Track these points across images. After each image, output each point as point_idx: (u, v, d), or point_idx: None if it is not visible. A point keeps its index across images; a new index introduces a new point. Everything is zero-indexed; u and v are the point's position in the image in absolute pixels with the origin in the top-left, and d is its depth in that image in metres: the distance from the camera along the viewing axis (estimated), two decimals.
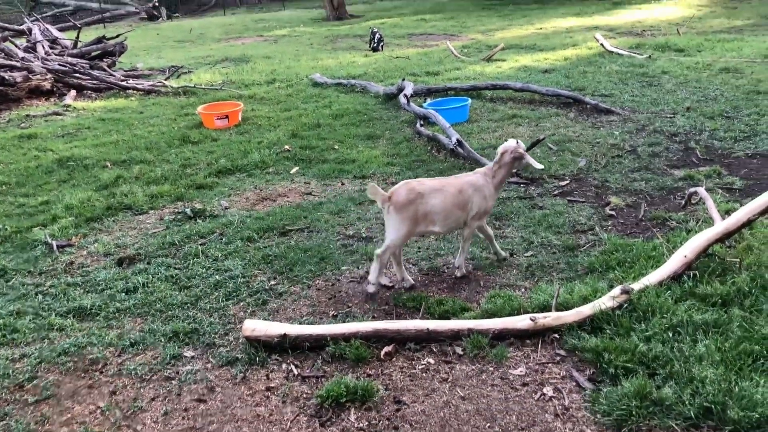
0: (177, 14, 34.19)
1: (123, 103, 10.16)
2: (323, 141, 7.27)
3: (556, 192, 5.29)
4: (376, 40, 16.68)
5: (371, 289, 3.74)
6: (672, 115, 7.23)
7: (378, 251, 3.72)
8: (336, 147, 7.01)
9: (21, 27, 13.57)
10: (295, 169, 6.32)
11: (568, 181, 5.48)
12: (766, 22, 16.95)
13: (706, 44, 12.13)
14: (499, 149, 4.05)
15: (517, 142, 4.06)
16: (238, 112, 8.47)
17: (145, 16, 32.63)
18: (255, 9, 35.16)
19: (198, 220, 5.07)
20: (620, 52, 11.54)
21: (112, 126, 8.63)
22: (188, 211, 5.18)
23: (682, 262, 3.53)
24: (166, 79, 11.46)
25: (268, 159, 6.61)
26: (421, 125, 7.07)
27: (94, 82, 10.80)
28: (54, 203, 5.65)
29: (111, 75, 11.48)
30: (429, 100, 8.45)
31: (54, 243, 4.73)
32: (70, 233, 4.98)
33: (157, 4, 33.49)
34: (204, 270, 4.20)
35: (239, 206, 5.40)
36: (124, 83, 10.85)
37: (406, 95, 7.83)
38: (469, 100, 7.95)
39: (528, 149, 5.82)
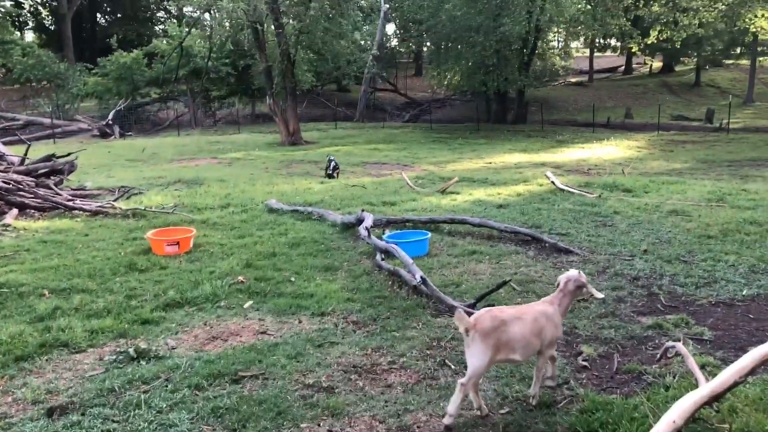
0: (130, 133, 34.32)
1: (68, 224, 9.74)
2: (279, 272, 6.99)
3: None
4: (331, 167, 16.90)
5: (448, 421, 3.68)
6: (630, 258, 7.27)
7: (461, 381, 3.71)
8: (293, 279, 6.73)
9: None
10: (248, 304, 5.98)
11: None
12: (703, 166, 17.97)
13: (651, 185, 12.61)
14: (562, 278, 4.23)
15: (579, 273, 4.18)
16: (190, 239, 8.17)
17: (98, 134, 32.65)
18: (210, 131, 35.62)
19: (141, 362, 4.63)
20: (571, 190, 11.87)
21: (53, 249, 8.18)
22: (131, 350, 4.74)
23: (671, 428, 3.30)
24: (114, 200, 11.15)
25: (220, 291, 6.26)
26: (382, 259, 6.89)
27: (38, 200, 10.40)
28: None
29: (57, 194, 11.10)
30: (388, 232, 8.36)
31: None
32: None
33: (110, 122, 33.66)
34: (146, 424, 3.74)
35: (187, 346, 4.98)
36: (70, 203, 10.48)
37: (366, 228, 7.71)
38: (429, 234, 7.88)
39: (491, 292, 5.70)
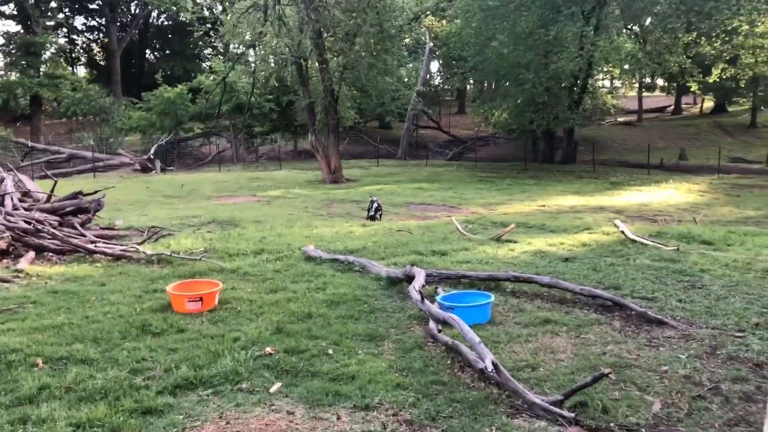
0: (171, 168, 34.05)
1: (86, 270, 8.84)
2: (314, 341, 5.88)
3: None
4: (374, 209, 15.94)
5: None
6: (741, 334, 5.94)
7: None
8: (330, 351, 5.61)
9: None
10: (276, 386, 4.86)
11: None
12: None
13: (733, 237, 11.21)
14: None
15: None
16: (215, 294, 7.15)
17: (139, 168, 32.44)
18: (251, 167, 35.16)
19: None
20: (644, 241, 10.53)
21: (63, 302, 7.24)
22: None
23: None
24: (140, 243, 10.25)
25: (242, 367, 5.16)
26: (439, 330, 5.71)
27: (57, 242, 9.55)
28: None
29: (81, 235, 10.27)
30: (441, 291, 7.20)
31: None
32: None
33: (152, 156, 33.49)
34: None
35: None
36: (91, 246, 9.60)
37: (419, 291, 6.52)
38: (492, 297, 6.68)
39: (585, 387, 4.48)
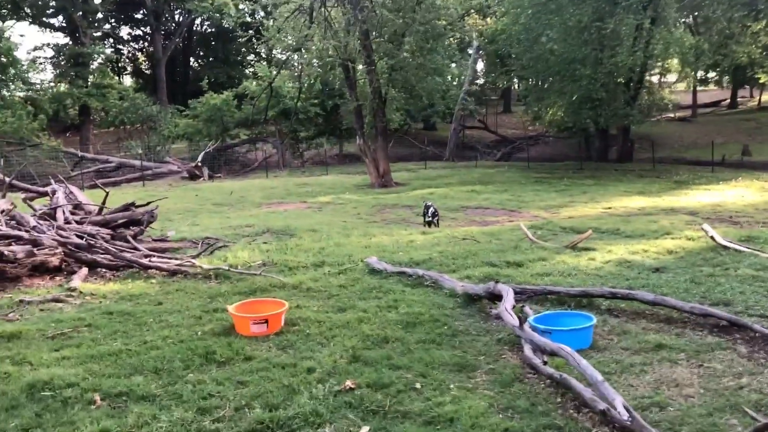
0: (219, 174, 33.93)
1: (141, 287, 8.37)
2: (397, 372, 5.22)
3: None
4: (430, 214, 15.21)
5: None
6: None
7: None
8: (418, 385, 4.94)
9: (44, 189, 12.35)
10: (364, 431, 4.22)
11: None
12: None
13: None
14: None
15: None
16: (281, 315, 6.56)
17: (187, 175, 32.35)
18: (297, 172, 34.80)
19: None
20: (737, 247, 9.60)
21: (119, 324, 6.75)
22: None
23: None
24: (195, 257, 9.75)
25: (322, 406, 4.54)
26: (545, 362, 4.97)
27: (110, 257, 9.12)
28: None
29: (134, 249, 9.84)
30: (530, 311, 6.44)
31: None
32: None
33: (200, 163, 33.40)
34: None
35: None
36: (145, 261, 9.14)
37: (516, 314, 5.76)
38: (594, 319, 5.91)
39: None
